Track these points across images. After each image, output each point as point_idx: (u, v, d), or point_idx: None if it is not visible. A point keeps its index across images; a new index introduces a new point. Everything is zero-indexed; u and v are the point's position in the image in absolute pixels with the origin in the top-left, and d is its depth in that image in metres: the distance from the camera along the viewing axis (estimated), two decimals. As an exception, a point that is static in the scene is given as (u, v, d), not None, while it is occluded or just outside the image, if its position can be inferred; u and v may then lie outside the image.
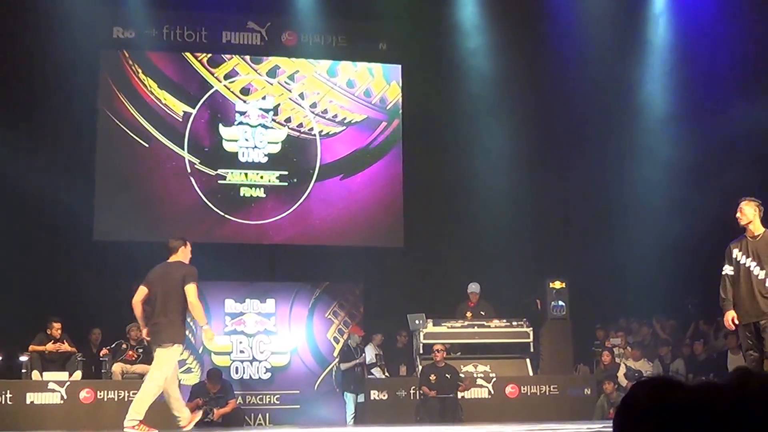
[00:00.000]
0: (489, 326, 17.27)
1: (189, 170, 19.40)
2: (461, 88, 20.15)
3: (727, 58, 18.50)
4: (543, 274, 18.24)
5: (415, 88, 20.37)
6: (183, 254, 11.79)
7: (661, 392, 2.04)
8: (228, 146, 19.67)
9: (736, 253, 10.70)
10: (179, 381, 12.22)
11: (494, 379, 16.62)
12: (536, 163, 19.87)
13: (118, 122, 19.16)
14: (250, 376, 19.17)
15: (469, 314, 17.56)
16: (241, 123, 19.75)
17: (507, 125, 19.76)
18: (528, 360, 17.25)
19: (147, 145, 19.30)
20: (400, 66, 20.57)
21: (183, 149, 19.45)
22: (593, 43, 19.45)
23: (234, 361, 19.14)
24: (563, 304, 17.91)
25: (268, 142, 19.85)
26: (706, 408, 1.97)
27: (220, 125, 19.65)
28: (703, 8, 19.10)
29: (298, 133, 20.08)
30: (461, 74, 20.23)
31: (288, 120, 20.05)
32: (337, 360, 18.94)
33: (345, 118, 20.36)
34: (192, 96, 19.67)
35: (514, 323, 17.28)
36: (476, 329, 17.22)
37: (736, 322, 10.63)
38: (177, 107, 19.50)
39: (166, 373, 11.37)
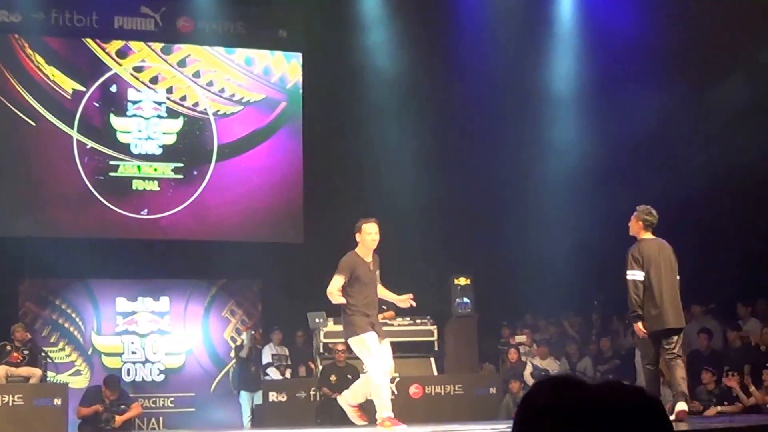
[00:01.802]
0: (392, 324, 17.25)
1: (77, 153, 19.00)
2: (363, 79, 20.09)
3: (637, 49, 18.68)
4: (448, 271, 18.28)
5: (316, 77, 20.27)
6: (362, 242, 11.66)
7: (561, 390, 2.04)
8: (121, 137, 19.31)
9: None
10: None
11: (397, 379, 16.60)
12: (441, 158, 19.90)
13: (2, 99, 18.65)
14: (143, 378, 18.97)
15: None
16: (134, 115, 19.45)
17: (411, 119, 19.75)
18: (432, 359, 17.27)
19: (33, 124, 18.80)
20: (300, 54, 20.44)
21: (73, 129, 19.03)
22: (499, 38, 19.54)
23: (126, 362, 18.90)
24: (468, 300, 17.95)
25: (163, 133, 19.55)
26: (606, 407, 1.97)
27: (112, 115, 19.30)
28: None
29: (193, 113, 19.80)
30: (364, 64, 20.17)
31: (183, 99, 19.76)
32: (233, 360, 18.81)
33: (243, 98, 20.12)
34: (83, 74, 19.25)
35: (418, 321, 17.28)
36: (379, 327, 17.19)
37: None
38: (66, 84, 19.07)
39: (375, 363, 11.42)
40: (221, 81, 20.00)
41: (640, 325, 11.32)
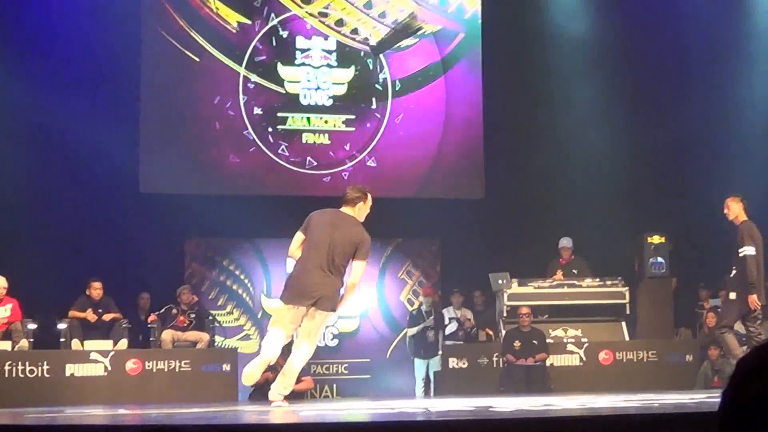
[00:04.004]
0: (580, 286, 17.10)
1: (241, 94, 18.87)
2: (548, 24, 19.82)
3: None
4: (640, 228, 17.94)
5: (496, 18, 19.98)
6: (360, 210, 10.74)
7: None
8: (289, 87, 19.23)
9: None
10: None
11: (586, 345, 16.44)
12: (632, 109, 19.52)
13: (164, 34, 18.57)
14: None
15: (560, 272, 17.40)
16: (303, 64, 19.38)
17: (599, 70, 19.47)
18: (623, 323, 17.07)
19: (197, 60, 18.73)
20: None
21: (241, 65, 18.93)
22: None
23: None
24: (663, 260, 17.60)
25: (333, 83, 19.46)
26: None
27: (279, 64, 19.24)
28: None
29: (365, 47, 19.55)
30: (550, 7, 19.93)
31: (354, 32, 19.47)
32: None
33: (418, 29, 19.76)
34: (247, 5, 19.10)
35: (609, 282, 17.10)
36: (566, 290, 17.06)
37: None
38: (231, 17, 18.89)
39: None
40: (394, 12, 19.63)
41: (755, 297, 12.84)
